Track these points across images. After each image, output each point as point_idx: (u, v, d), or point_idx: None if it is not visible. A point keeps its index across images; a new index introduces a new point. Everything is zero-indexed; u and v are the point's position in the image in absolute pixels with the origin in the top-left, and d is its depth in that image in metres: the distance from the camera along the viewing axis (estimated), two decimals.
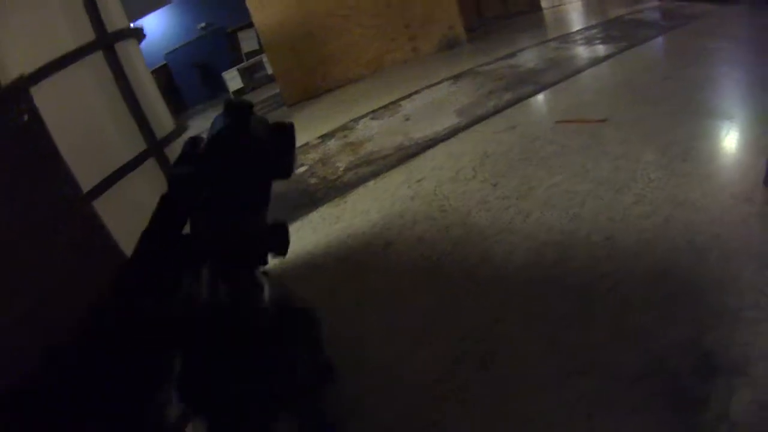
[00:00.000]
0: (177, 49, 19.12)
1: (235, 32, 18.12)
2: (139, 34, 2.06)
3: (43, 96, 1.58)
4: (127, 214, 1.70)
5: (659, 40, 6.41)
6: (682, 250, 2.48)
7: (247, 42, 16.85)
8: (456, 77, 7.48)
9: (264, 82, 16.27)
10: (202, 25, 18.88)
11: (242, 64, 17.40)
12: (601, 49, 6.62)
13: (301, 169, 5.77)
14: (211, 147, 1.14)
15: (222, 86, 17.68)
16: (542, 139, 4.16)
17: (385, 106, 7.28)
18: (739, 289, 2.16)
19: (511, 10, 11.98)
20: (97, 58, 1.74)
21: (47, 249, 1.50)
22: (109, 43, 1.76)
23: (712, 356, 1.89)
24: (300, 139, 7.00)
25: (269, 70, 13.24)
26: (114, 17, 1.88)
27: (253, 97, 15.52)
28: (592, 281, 2.46)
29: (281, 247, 1.28)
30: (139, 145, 1.83)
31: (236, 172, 1.15)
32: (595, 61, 6.09)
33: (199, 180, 1.15)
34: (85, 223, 1.63)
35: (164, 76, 19.71)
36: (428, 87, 7.48)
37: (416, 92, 7.42)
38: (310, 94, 10.63)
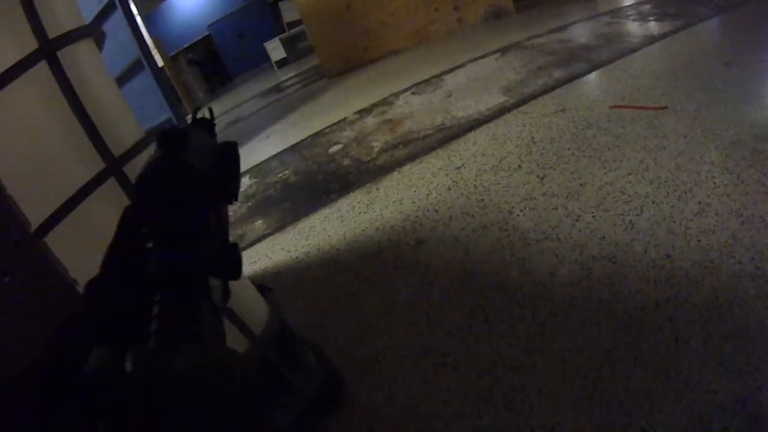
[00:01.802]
0: (219, 20, 19.28)
1: (276, 2, 18.01)
2: (94, 33, 1.77)
3: None
4: (86, 243, 1.46)
5: (718, 19, 5.89)
6: (748, 278, 2.14)
7: (289, 12, 16.67)
8: (502, 50, 7.10)
9: (307, 52, 16.19)
10: None
11: (284, 34, 17.31)
12: (656, 27, 6.14)
13: (336, 148, 5.55)
14: (139, 184, 1.04)
15: (265, 56, 17.66)
16: (596, 126, 3.80)
17: (427, 80, 6.97)
18: None
19: None
20: (41, 70, 1.47)
21: None
22: (51, 50, 1.48)
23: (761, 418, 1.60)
24: (338, 114, 6.92)
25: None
26: (60, 18, 1.60)
27: (296, 68, 15.43)
28: (643, 311, 2.13)
29: (230, 274, 1.09)
30: (96, 165, 1.56)
31: (168, 207, 1.05)
32: (651, 40, 5.63)
33: (129, 218, 1.06)
34: (37, 264, 1.38)
35: (207, 46, 19.84)
36: (473, 60, 7.13)
37: (460, 66, 7.08)
38: (350, 66, 10.44)
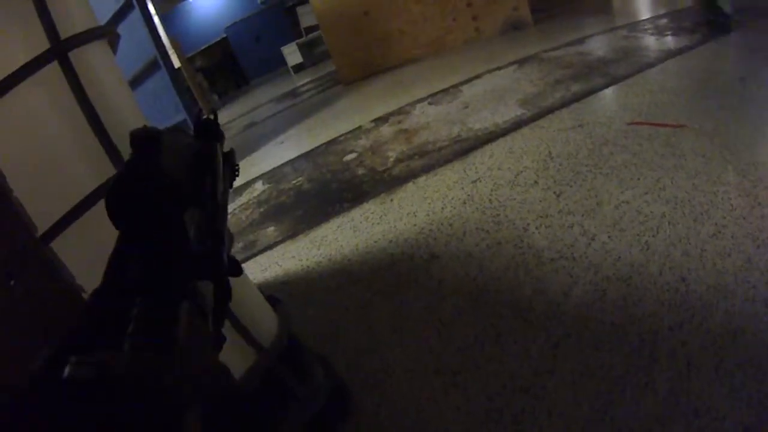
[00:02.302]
0: (237, 22, 19.31)
1: (294, 7, 18.05)
2: (107, 34, 1.75)
3: None
4: (94, 251, 1.44)
5: (735, 35, 5.83)
6: (762, 303, 2.09)
7: (306, 17, 16.68)
8: (520, 62, 7.06)
9: (323, 58, 16.18)
10: None
11: (301, 39, 17.33)
12: (672, 42, 6.07)
13: (350, 157, 5.54)
14: (111, 191, 0.93)
15: (281, 60, 17.68)
16: (613, 142, 3.76)
17: (444, 90, 6.95)
18: None
19: None
20: (52, 71, 1.45)
21: None
22: (62, 51, 1.46)
23: None
24: (353, 122, 6.90)
25: None
26: (73, 18, 1.58)
27: (312, 73, 15.44)
28: (657, 334, 2.09)
29: (211, 274, 1.06)
30: (106, 171, 1.54)
31: (143, 214, 0.96)
32: (668, 55, 5.56)
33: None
34: (43, 269, 1.36)
35: (224, 49, 19.90)
36: (490, 72, 7.10)
37: (477, 77, 7.06)
38: (367, 72, 10.43)
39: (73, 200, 1.47)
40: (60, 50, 1.45)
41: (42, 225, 1.42)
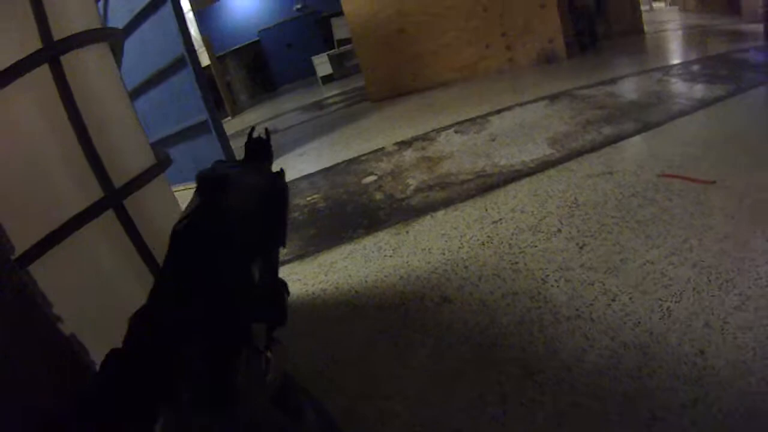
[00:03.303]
0: (271, 27, 19.40)
1: (329, 18, 18.10)
2: (108, 37, 1.61)
3: None
4: (75, 278, 1.30)
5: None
6: None
7: (341, 29, 16.70)
8: (552, 98, 6.94)
9: (354, 72, 16.17)
10: (298, 6, 19.15)
11: (333, 51, 17.38)
12: (706, 90, 5.94)
13: (370, 179, 5.43)
14: (174, 237, 0.97)
15: (311, 70, 17.72)
16: (642, 194, 3.61)
17: (471, 120, 6.84)
18: None
19: (614, 29, 11.34)
20: (42, 75, 1.31)
21: None
22: (54, 54, 1.32)
23: None
24: (376, 142, 6.79)
25: None
26: (71, 16, 1.44)
27: (340, 86, 15.42)
28: (669, 411, 1.96)
29: (276, 319, 1.17)
30: (94, 193, 1.41)
31: (205, 261, 0.98)
32: (701, 104, 5.42)
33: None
34: (16, 295, 1.22)
35: (256, 52, 19.97)
36: (521, 105, 6.98)
37: (507, 108, 6.95)
38: (396, 92, 10.38)
39: (56, 221, 1.34)
40: (52, 53, 1.32)
41: (19, 246, 1.29)
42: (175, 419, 0.94)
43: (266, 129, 1.29)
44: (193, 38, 7.74)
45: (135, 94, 7.73)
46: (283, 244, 1.18)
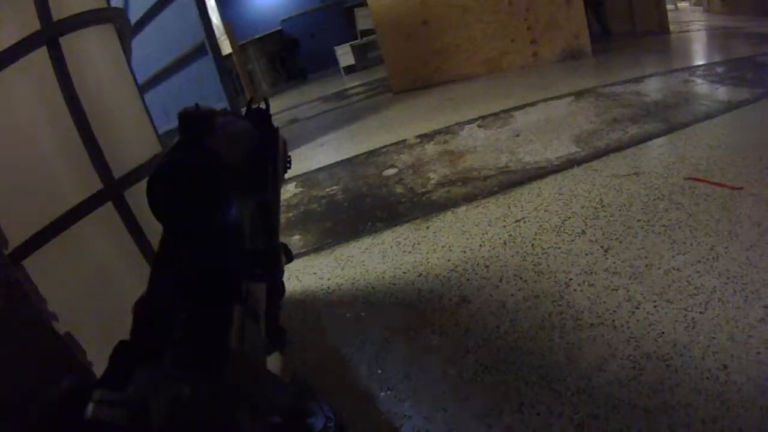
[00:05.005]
0: (294, 16, 19.36)
1: (352, 8, 18.04)
2: (111, 18, 1.53)
3: None
4: (72, 274, 1.23)
5: None
6: None
7: (364, 20, 16.59)
8: (577, 95, 6.83)
9: (376, 63, 16.06)
10: None
11: (356, 41, 17.28)
12: (733, 93, 5.79)
13: (390, 172, 5.36)
14: (154, 177, 0.84)
15: (333, 60, 17.65)
16: (668, 198, 3.51)
17: (495, 114, 6.75)
18: None
19: (639, 28, 11.22)
20: (40, 58, 1.25)
21: None
22: (53, 35, 1.25)
23: None
24: (398, 134, 6.72)
25: None
26: None
27: (362, 77, 15.35)
28: (690, 428, 1.89)
29: (265, 276, 0.98)
30: (93, 185, 1.34)
31: (190, 205, 0.87)
32: (729, 107, 5.29)
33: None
34: (9, 291, 1.16)
35: (279, 40, 19.92)
36: (545, 100, 6.88)
37: (532, 104, 6.85)
38: (418, 84, 10.29)
39: (52, 214, 1.28)
40: (50, 33, 1.25)
41: (13, 240, 1.23)
42: (148, 378, 0.86)
43: (265, 98, 1.19)
44: (214, 25, 7.70)
45: (155, 80, 7.73)
46: (276, 197, 1.09)
